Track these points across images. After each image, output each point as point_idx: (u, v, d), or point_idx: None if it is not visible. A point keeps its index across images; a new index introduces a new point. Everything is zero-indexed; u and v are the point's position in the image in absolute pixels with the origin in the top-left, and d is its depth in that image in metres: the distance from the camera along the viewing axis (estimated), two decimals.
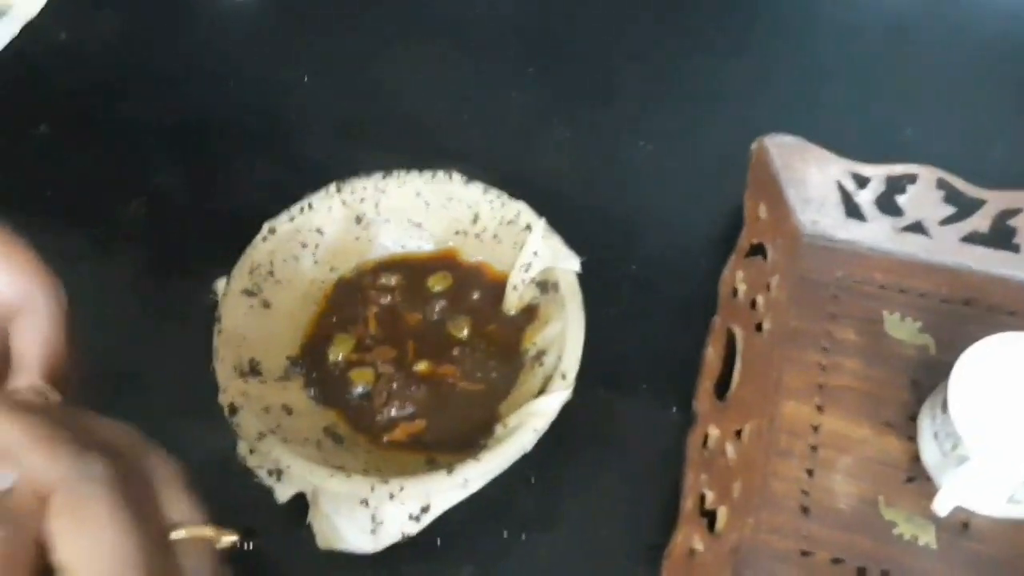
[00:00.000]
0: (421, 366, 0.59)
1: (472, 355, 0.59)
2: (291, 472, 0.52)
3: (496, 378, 0.58)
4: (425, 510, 0.52)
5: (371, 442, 0.56)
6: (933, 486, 0.55)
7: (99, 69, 0.83)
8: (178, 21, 0.87)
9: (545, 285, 0.60)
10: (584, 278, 0.59)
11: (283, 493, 0.54)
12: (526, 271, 0.60)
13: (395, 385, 0.57)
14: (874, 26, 0.83)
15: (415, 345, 0.60)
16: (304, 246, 0.62)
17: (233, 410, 0.53)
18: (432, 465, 0.54)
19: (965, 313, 0.63)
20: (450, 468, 0.50)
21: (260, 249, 0.60)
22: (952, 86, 0.78)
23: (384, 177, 0.63)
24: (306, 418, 0.56)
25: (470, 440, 0.55)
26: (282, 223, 0.61)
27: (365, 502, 0.51)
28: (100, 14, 0.87)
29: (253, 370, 0.57)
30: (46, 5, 0.87)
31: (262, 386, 0.56)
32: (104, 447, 0.32)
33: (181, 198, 0.73)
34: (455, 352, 0.59)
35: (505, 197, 0.62)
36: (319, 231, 0.62)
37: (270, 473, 0.53)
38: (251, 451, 0.54)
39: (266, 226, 0.61)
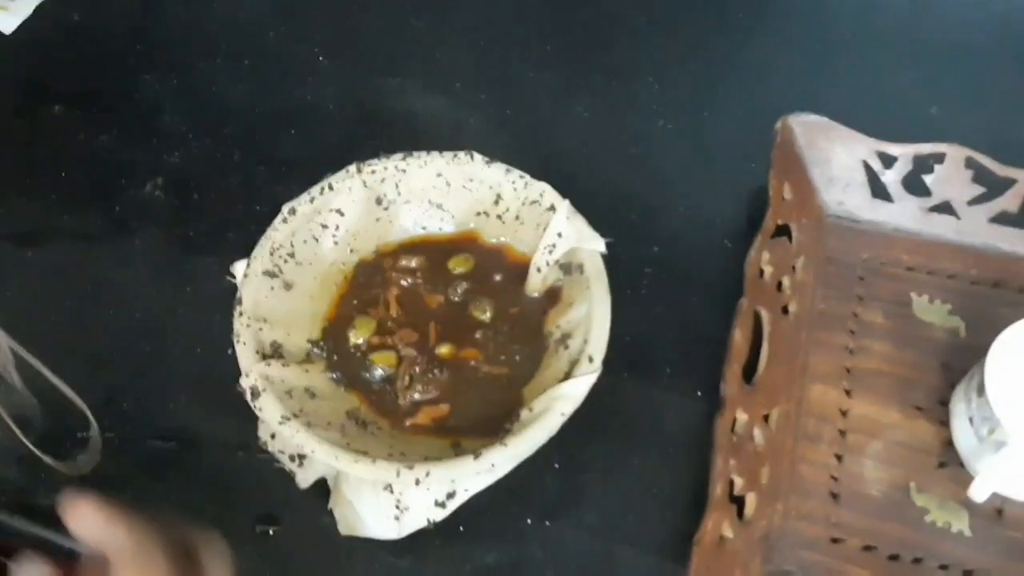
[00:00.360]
0: (443, 349, 0.58)
1: (495, 338, 0.58)
2: (314, 457, 0.51)
3: (520, 361, 0.57)
4: (451, 496, 0.51)
5: (394, 426, 0.55)
6: (966, 471, 0.54)
7: (113, 49, 0.82)
8: (191, 1, 0.86)
9: (569, 267, 0.59)
10: (606, 260, 0.58)
11: (305, 479, 0.53)
12: (550, 252, 0.59)
13: (418, 368, 0.57)
14: (897, 2, 0.82)
15: (437, 327, 0.59)
16: (324, 227, 0.61)
17: (255, 394, 0.53)
18: (457, 449, 0.53)
19: (995, 295, 0.62)
20: (476, 453, 0.50)
21: (281, 230, 0.59)
22: (978, 61, 0.77)
23: (404, 158, 0.62)
24: (329, 401, 0.55)
25: (495, 424, 0.54)
26: (302, 204, 0.60)
27: (390, 488, 0.51)
28: None
29: (275, 352, 0.56)
30: None
31: (284, 369, 0.55)
32: (167, 530, 0.40)
33: (198, 179, 0.72)
34: (478, 335, 0.58)
35: (528, 178, 0.61)
36: (339, 212, 0.61)
37: (292, 458, 0.52)
38: (272, 436, 0.53)
39: (286, 207, 0.60)
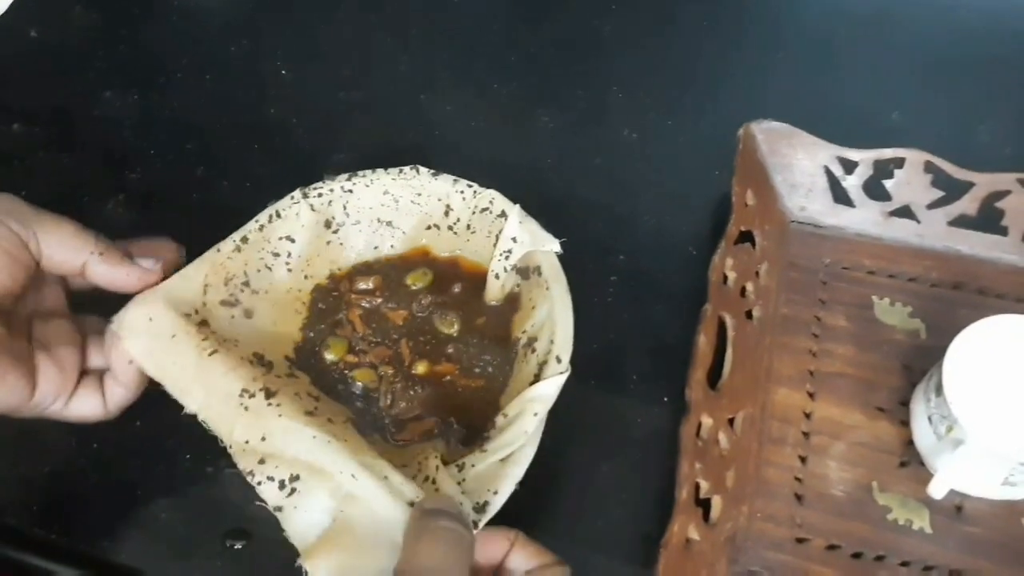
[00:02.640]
0: (420, 368, 0.58)
1: (467, 351, 0.58)
2: (324, 467, 0.48)
3: (493, 371, 0.57)
4: (485, 505, 0.49)
5: (384, 440, 0.55)
6: (926, 470, 0.55)
7: (72, 66, 0.81)
8: (151, 15, 0.85)
9: (526, 271, 0.59)
10: (572, 268, 0.58)
11: (294, 518, 0.48)
12: (506, 258, 0.59)
13: (398, 387, 0.56)
14: (858, 10, 0.83)
15: (409, 345, 0.59)
16: (276, 255, 0.60)
17: (270, 393, 0.51)
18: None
19: (955, 297, 0.63)
20: (460, 465, 0.50)
21: (235, 259, 0.58)
22: (937, 69, 0.78)
23: (350, 178, 0.61)
24: (331, 405, 0.55)
25: (478, 435, 0.54)
26: (251, 232, 0.59)
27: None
28: (71, 10, 0.86)
29: (260, 362, 0.55)
30: (15, 2, 0.86)
31: (277, 379, 0.54)
32: None
33: (160, 196, 0.71)
34: (450, 349, 0.58)
35: (476, 186, 0.61)
36: (290, 239, 0.60)
37: (282, 485, 0.49)
38: (261, 460, 0.50)
39: (237, 236, 0.58)
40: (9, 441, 0.59)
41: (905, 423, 0.57)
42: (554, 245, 0.58)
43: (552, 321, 0.55)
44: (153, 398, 0.60)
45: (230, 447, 0.50)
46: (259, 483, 0.49)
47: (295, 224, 0.60)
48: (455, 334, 0.59)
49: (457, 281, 0.61)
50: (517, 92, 0.78)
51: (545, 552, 0.45)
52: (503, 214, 0.59)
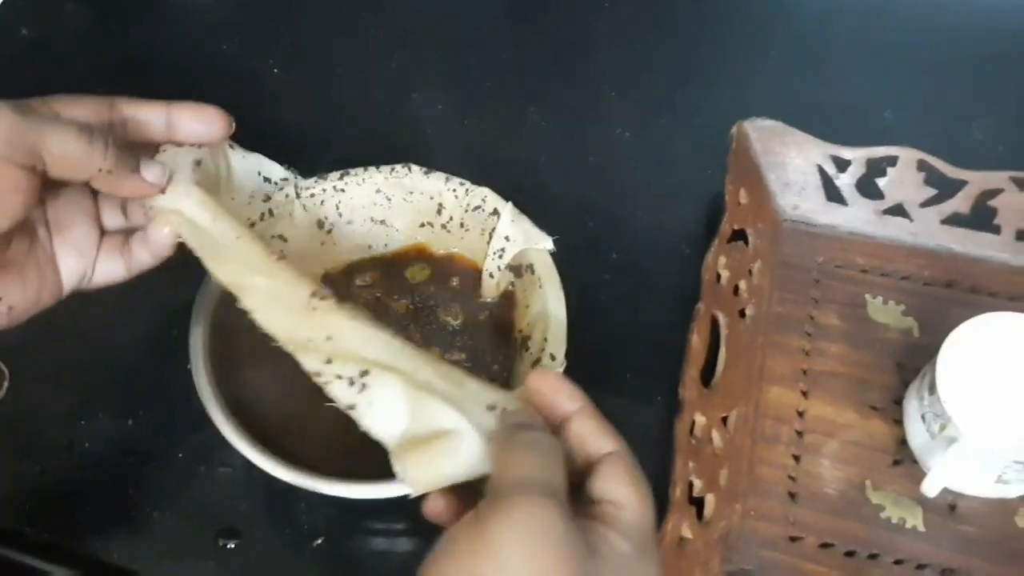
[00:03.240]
0: (435, 354, 0.58)
1: (472, 344, 0.58)
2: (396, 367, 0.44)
3: (498, 369, 0.58)
4: None
5: None
6: (919, 469, 0.55)
7: (63, 64, 0.81)
8: (143, 13, 0.85)
9: (519, 268, 0.59)
10: (565, 267, 0.58)
11: (368, 415, 0.44)
12: (500, 257, 0.58)
13: None
14: (850, 8, 0.83)
15: (417, 335, 0.59)
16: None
17: (341, 299, 0.47)
18: None
19: (948, 295, 0.63)
20: None
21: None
22: (930, 67, 0.78)
23: (342, 176, 0.61)
24: None
25: None
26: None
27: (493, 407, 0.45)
28: (62, 8, 0.86)
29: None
30: (6, 0, 0.85)
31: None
32: None
33: None
34: (457, 342, 0.58)
35: (469, 184, 0.60)
36: (283, 238, 0.59)
37: (351, 382, 0.44)
38: (328, 360, 0.45)
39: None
40: (1, 440, 0.59)
41: (898, 421, 0.57)
42: (547, 243, 0.58)
43: (545, 319, 0.55)
44: (148, 398, 0.60)
45: (288, 346, 0.46)
46: (327, 382, 0.45)
47: (288, 223, 0.60)
48: (459, 326, 0.59)
49: (456, 276, 0.61)
50: (509, 90, 0.78)
51: (609, 433, 0.42)
52: (495, 212, 0.59)
